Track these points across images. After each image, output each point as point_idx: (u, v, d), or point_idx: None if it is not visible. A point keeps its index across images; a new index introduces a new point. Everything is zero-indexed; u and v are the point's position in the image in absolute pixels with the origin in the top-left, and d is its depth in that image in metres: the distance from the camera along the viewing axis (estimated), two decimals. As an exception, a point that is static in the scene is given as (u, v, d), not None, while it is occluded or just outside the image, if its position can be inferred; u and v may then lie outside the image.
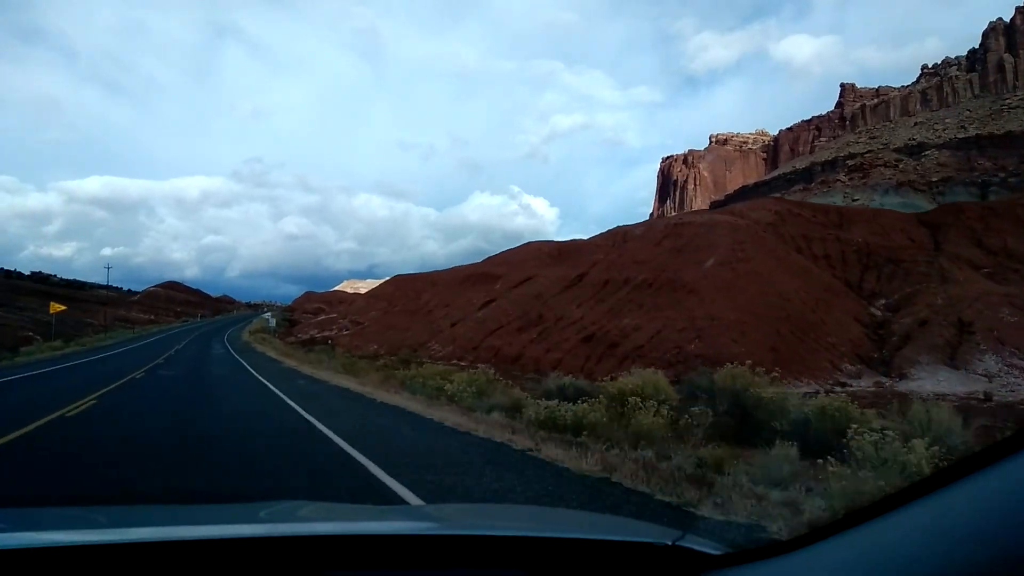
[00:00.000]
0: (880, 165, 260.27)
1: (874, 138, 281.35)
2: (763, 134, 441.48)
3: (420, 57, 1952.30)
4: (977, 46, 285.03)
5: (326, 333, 77.79)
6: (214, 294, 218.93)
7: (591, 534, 2.04)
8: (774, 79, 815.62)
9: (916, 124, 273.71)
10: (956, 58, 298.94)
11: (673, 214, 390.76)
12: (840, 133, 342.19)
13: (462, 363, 46.45)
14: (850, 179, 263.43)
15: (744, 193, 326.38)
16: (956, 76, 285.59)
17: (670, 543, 1.77)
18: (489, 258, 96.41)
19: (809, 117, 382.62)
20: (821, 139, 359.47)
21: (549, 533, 2.02)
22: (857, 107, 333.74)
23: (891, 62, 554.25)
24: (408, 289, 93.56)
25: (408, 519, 3.03)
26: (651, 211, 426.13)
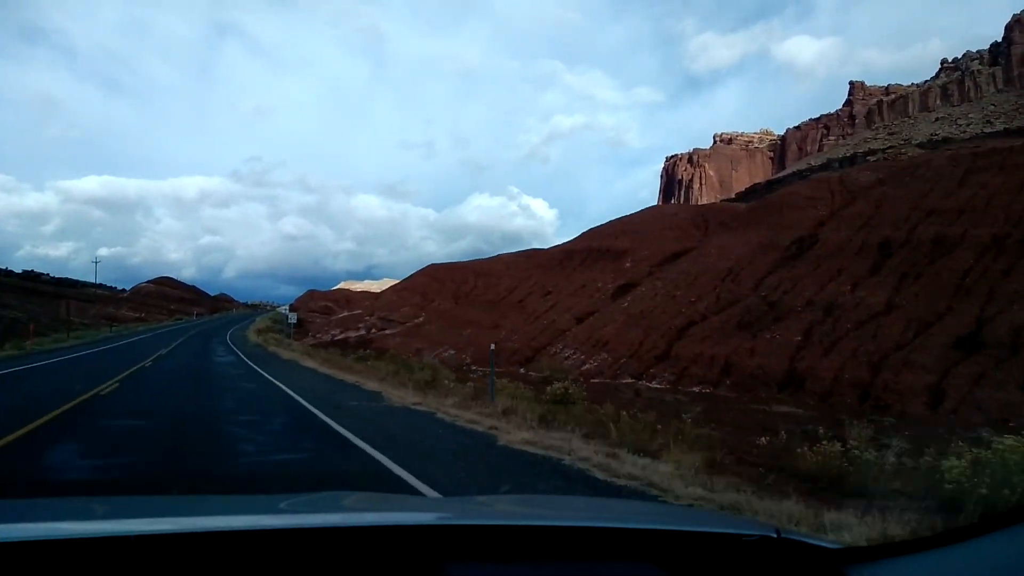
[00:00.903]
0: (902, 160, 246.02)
1: (893, 134, 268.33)
2: (768, 133, 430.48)
3: (422, 56, 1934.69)
4: (1000, 39, 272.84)
5: (355, 333, 61.55)
6: (211, 293, 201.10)
7: (704, 527, 2.01)
8: (776, 80, 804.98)
9: (937, 119, 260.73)
10: (977, 52, 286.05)
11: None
12: (849, 131, 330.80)
13: (663, 382, 29.40)
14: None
15: (756, 191, 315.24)
16: (978, 70, 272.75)
17: (775, 535, 1.73)
18: (593, 230, 78.77)
19: (817, 116, 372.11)
20: (830, 138, 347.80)
21: (665, 526, 1.98)
22: (873, 103, 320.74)
23: (894, 63, 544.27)
24: (448, 279, 76.81)
25: (511, 505, 2.94)
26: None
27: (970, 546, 1.35)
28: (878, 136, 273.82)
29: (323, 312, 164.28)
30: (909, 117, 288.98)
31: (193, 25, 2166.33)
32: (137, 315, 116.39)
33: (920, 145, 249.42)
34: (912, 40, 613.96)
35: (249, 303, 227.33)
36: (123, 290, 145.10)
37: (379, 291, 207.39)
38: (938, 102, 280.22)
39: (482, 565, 1.62)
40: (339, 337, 61.14)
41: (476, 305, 67.82)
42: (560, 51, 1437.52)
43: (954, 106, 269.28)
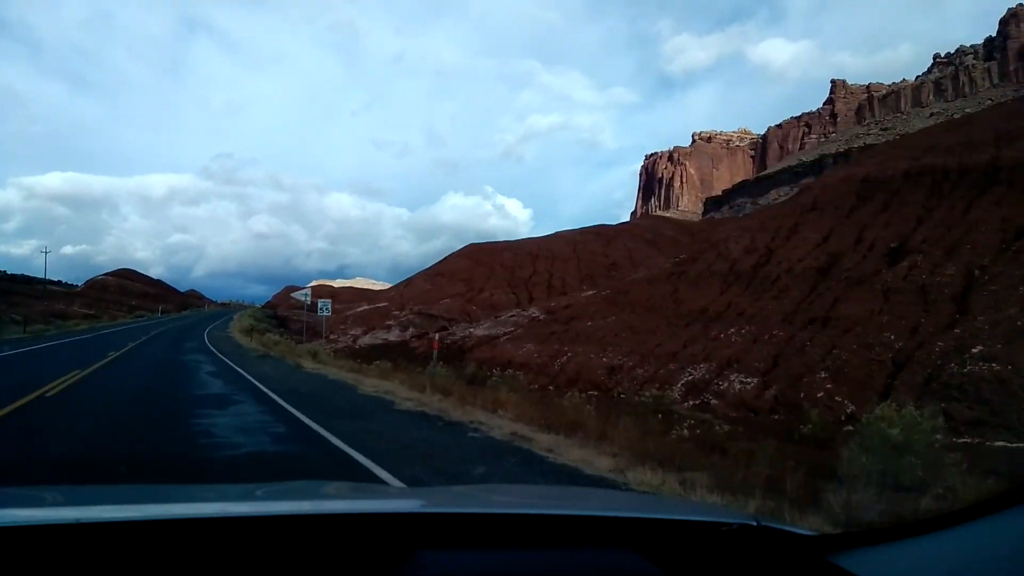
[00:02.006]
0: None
1: (886, 130, 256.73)
2: (746, 132, 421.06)
3: (397, 53, 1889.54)
4: (994, 34, 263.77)
5: (396, 334, 42.20)
6: (181, 289, 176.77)
7: (684, 515, 1.96)
8: (750, 82, 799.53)
9: (932, 115, 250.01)
10: (971, 46, 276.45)
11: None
12: (832, 130, 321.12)
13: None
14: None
15: (745, 188, 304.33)
16: (973, 65, 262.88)
17: (755, 524, 1.69)
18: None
19: (799, 114, 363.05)
20: (811, 136, 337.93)
21: (643, 514, 1.94)
22: (863, 99, 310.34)
23: (866, 67, 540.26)
24: (494, 262, 57.33)
25: (484, 493, 2.89)
26: (633, 210, 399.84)
27: (957, 532, 1.29)
28: (870, 132, 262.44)
29: (311, 309, 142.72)
30: (902, 112, 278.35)
31: (162, 19, 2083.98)
32: (89, 312, 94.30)
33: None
34: (883, 45, 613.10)
35: (220, 302, 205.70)
36: (75, 286, 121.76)
37: (366, 287, 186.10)
38: (931, 97, 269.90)
39: (454, 552, 1.54)
40: (372, 341, 41.67)
41: (542, 293, 48.37)
42: (537, 50, 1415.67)
43: (948, 101, 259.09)
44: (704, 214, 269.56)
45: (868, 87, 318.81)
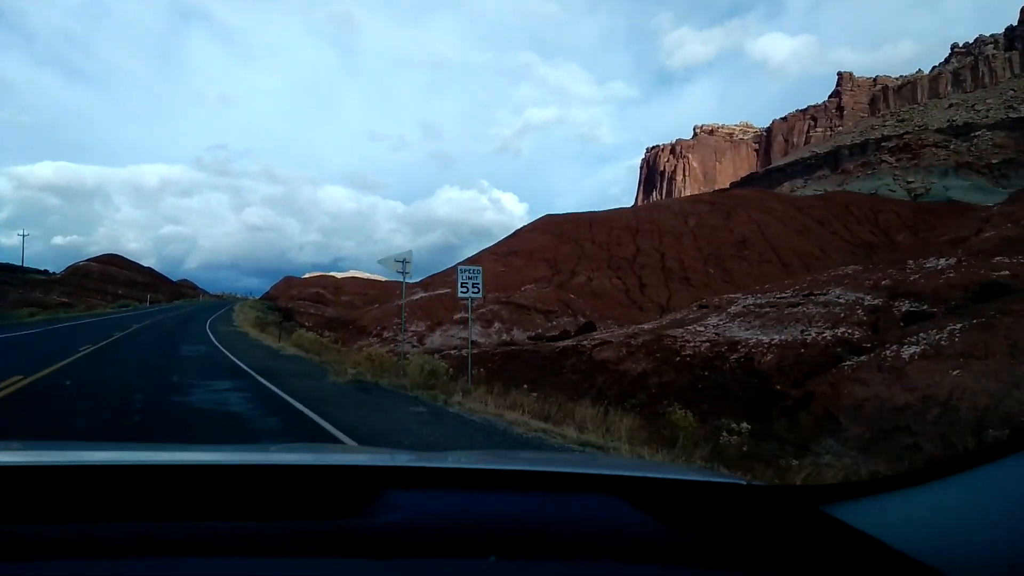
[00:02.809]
0: (930, 146, 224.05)
1: (903, 121, 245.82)
2: (748, 126, 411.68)
3: (395, 45, 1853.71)
4: (1015, 23, 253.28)
5: (482, 334, 28.50)
6: (174, 279, 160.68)
7: (674, 475, 1.90)
8: (750, 77, 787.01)
9: (951, 105, 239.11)
10: (991, 36, 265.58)
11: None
12: (838, 123, 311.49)
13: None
14: (898, 161, 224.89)
15: (754, 181, 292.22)
16: (993, 55, 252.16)
17: (745, 483, 1.66)
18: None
19: (804, 107, 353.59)
20: (817, 129, 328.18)
21: (628, 472, 1.86)
22: (877, 90, 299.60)
23: (867, 63, 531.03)
24: (583, 238, 43.49)
25: (472, 457, 2.64)
26: (634, 203, 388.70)
27: (954, 481, 1.25)
28: (886, 123, 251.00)
29: (314, 300, 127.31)
30: (918, 104, 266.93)
31: (156, 8, 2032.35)
32: (64, 301, 79.59)
33: (940, 131, 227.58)
34: (883, 41, 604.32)
35: (214, 293, 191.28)
36: (51, 272, 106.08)
37: (372, 279, 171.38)
38: (949, 88, 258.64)
39: (426, 491, 1.50)
40: (448, 342, 27.92)
41: (657, 278, 34.56)
42: (536, 43, 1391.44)
43: (967, 92, 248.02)
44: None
45: (875, 80, 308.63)
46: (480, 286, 13.20)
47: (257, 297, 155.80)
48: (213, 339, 26.62)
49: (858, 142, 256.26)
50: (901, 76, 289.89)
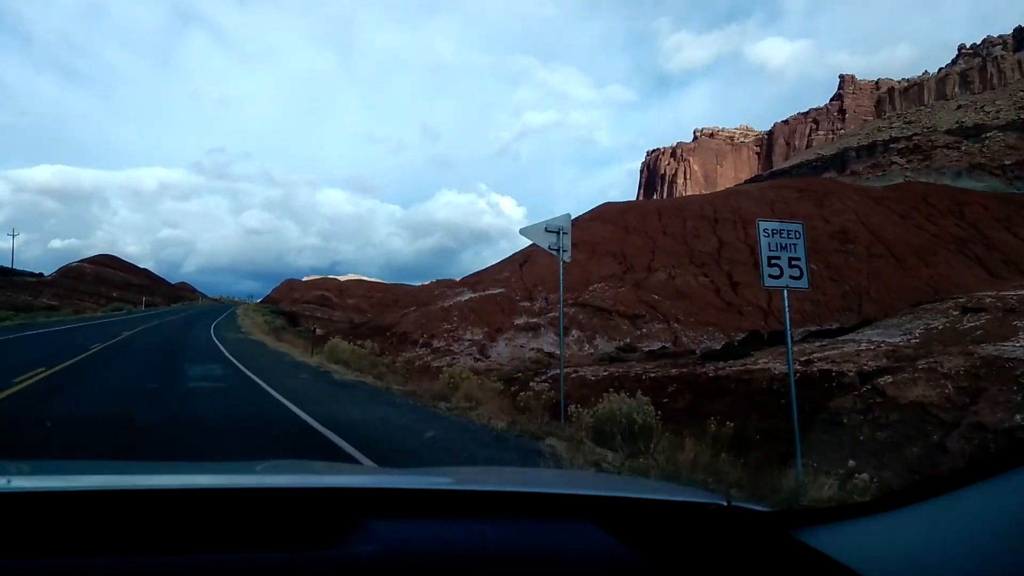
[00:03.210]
0: (941, 147, 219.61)
1: (910, 122, 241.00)
2: (748, 129, 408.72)
3: (394, 48, 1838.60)
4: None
5: (554, 345, 21.53)
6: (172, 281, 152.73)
7: (651, 494, 1.87)
8: (748, 81, 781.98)
9: (960, 107, 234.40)
10: (999, 37, 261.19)
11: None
12: (840, 125, 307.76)
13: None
14: (908, 162, 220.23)
15: (759, 183, 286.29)
16: (1001, 56, 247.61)
17: (726, 504, 1.65)
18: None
19: (806, 110, 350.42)
20: (819, 132, 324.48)
21: (605, 492, 1.84)
22: (883, 92, 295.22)
23: (864, 67, 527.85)
24: (652, 229, 36.70)
25: (447, 476, 2.58)
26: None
27: (926, 507, 1.24)
28: (893, 125, 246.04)
29: (320, 303, 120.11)
30: (925, 105, 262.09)
31: (154, 11, 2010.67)
32: (51, 304, 72.48)
33: (948, 132, 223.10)
34: (881, 45, 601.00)
35: (213, 297, 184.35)
36: (39, 274, 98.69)
37: (374, 282, 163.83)
38: (956, 89, 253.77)
39: (402, 521, 1.49)
40: (516, 353, 21.20)
41: (750, 275, 27.98)
42: (535, 46, 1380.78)
43: (976, 93, 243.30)
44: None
45: (877, 82, 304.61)
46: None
47: (258, 300, 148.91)
48: (224, 351, 19.86)
49: (865, 144, 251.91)
50: (903, 79, 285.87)
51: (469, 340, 26.80)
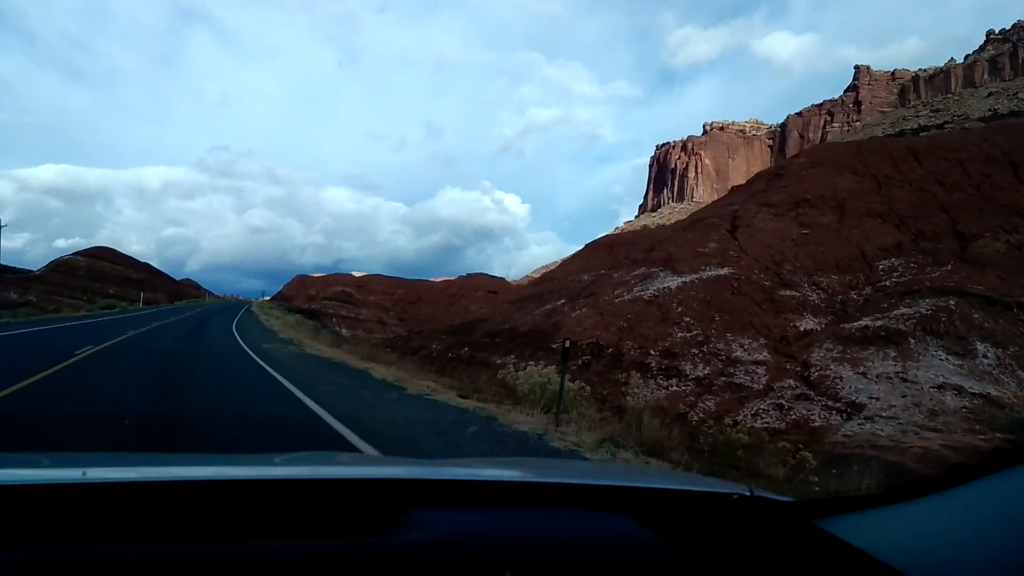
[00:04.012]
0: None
1: (938, 111, 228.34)
2: (759, 122, 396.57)
3: (397, 45, 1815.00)
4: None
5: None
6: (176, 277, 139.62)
7: (676, 485, 1.92)
8: (755, 75, 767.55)
9: (991, 94, 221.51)
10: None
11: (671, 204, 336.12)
12: (856, 117, 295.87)
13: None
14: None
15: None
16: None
17: (749, 494, 1.67)
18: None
19: (820, 101, 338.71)
20: (834, 124, 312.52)
21: (634, 483, 1.89)
22: (907, 80, 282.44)
23: (871, 60, 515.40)
24: (911, 172, 24.20)
25: (485, 468, 2.65)
26: (642, 203, 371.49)
27: (947, 496, 1.26)
28: (920, 114, 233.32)
29: (342, 300, 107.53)
30: (952, 93, 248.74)
31: (157, 9, 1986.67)
32: (29, 301, 60.07)
33: (982, 119, 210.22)
34: (889, 38, 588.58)
35: (219, 295, 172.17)
36: (27, 270, 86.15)
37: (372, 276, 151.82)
38: (986, 76, 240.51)
39: (444, 510, 1.54)
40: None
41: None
42: (539, 43, 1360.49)
43: (1007, 80, 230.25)
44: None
45: (894, 73, 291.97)
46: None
47: (268, 298, 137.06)
48: (302, 397, 7.60)
49: (892, 133, 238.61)
50: (921, 68, 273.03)
51: (751, 361, 14.64)
